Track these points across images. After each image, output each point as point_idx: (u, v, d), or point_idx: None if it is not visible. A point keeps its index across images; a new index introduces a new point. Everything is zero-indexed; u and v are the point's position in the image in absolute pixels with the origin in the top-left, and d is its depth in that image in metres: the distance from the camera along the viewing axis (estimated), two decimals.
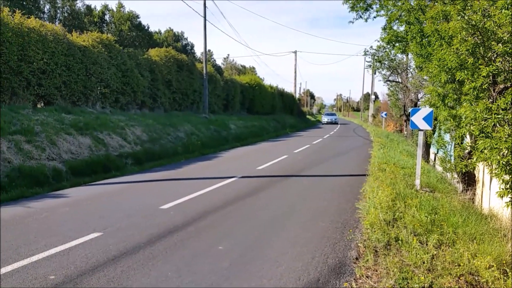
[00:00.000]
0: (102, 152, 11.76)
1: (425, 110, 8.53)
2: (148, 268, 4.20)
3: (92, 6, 32.96)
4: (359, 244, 4.96)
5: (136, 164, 11.98)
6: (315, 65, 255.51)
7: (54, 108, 12.87)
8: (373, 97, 51.19)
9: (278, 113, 40.26)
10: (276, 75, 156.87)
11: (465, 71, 8.03)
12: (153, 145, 14.38)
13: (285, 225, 5.76)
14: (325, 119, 48.29)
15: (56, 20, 28.54)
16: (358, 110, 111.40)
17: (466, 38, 7.88)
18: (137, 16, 33.78)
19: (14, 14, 12.45)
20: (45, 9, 28.85)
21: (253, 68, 67.31)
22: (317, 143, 19.62)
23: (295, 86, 51.93)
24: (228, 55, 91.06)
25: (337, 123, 47.09)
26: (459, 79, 8.43)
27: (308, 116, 60.16)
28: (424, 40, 11.51)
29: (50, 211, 6.60)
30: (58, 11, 28.96)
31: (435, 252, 4.65)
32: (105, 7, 32.90)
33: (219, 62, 59.15)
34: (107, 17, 33.03)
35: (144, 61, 19.11)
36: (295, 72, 50.08)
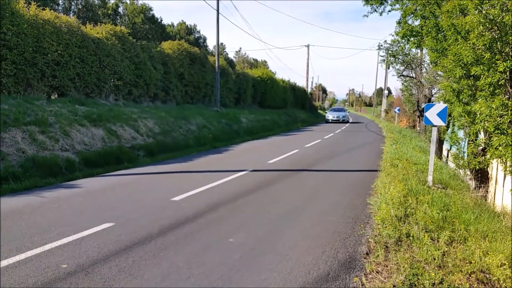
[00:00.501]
0: (115, 143, 11.87)
1: (439, 106, 8.43)
2: (159, 259, 4.25)
3: None
4: (369, 240, 4.95)
5: (148, 156, 12.08)
6: (327, 59, 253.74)
7: (68, 100, 12.99)
8: (386, 92, 50.58)
9: (290, 107, 40.13)
10: (288, 69, 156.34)
11: (481, 66, 7.91)
12: (165, 137, 14.47)
13: (296, 219, 5.77)
14: (329, 116, 36.16)
15: (71, 12, 28.78)
16: (370, 105, 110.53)
17: (483, 33, 7.75)
18: (150, 9, 33.90)
19: (30, 6, 12.58)
20: (60, 1, 29.09)
21: (265, 61, 67.11)
22: (328, 138, 19.54)
23: (307, 80, 51.67)
24: (240, 48, 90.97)
25: (348, 122, 36.78)
26: (474, 74, 8.30)
27: (320, 111, 59.83)
28: (439, 34, 11.35)
29: (63, 201, 6.70)
30: (73, 3, 29.18)
31: (446, 249, 4.61)
32: None
33: (231, 55, 59.15)
34: (120, 9, 33.21)
35: (157, 54, 19.18)
36: (308, 66, 49.81)
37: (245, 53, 68.29)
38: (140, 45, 18.30)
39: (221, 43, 51.34)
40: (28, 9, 12.43)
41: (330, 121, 35.83)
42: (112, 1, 31.97)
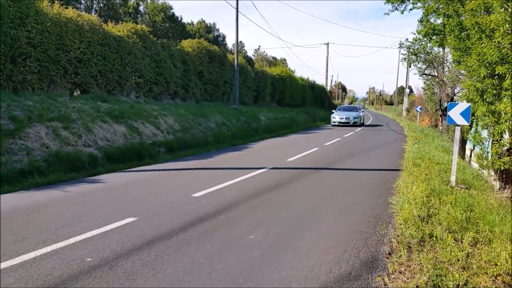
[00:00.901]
0: (136, 140, 12.04)
1: (462, 105, 8.26)
2: (181, 254, 4.29)
3: None
4: (392, 240, 4.88)
5: (169, 153, 12.21)
6: (347, 57, 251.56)
7: (90, 97, 13.23)
8: (407, 90, 49.78)
9: (309, 105, 39.95)
10: (307, 67, 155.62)
11: (507, 65, 7.72)
12: (184, 134, 14.59)
13: (316, 218, 5.74)
14: (336, 117, 27.25)
15: (92, 10, 29.23)
16: (391, 103, 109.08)
17: (509, 31, 7.55)
18: (170, 8, 34.15)
19: (53, 4, 12.83)
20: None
21: (284, 60, 66.84)
22: (348, 136, 19.37)
23: (327, 78, 51.32)
24: (259, 46, 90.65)
25: (361, 124, 27.88)
26: (499, 73, 8.11)
27: None
28: (463, 33, 11.12)
29: (87, 195, 6.83)
30: (94, 1, 29.65)
31: (470, 250, 4.52)
32: None
33: (250, 53, 59.14)
34: (141, 8, 33.58)
35: (177, 52, 19.34)
36: (327, 64, 49.46)
37: (264, 51, 68.25)
38: (161, 43, 18.48)
39: (240, 41, 51.36)
40: (52, 7, 12.69)
41: (337, 123, 26.82)
42: (133, 0, 32.38)
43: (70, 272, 3.83)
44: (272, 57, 63.66)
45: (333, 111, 29.41)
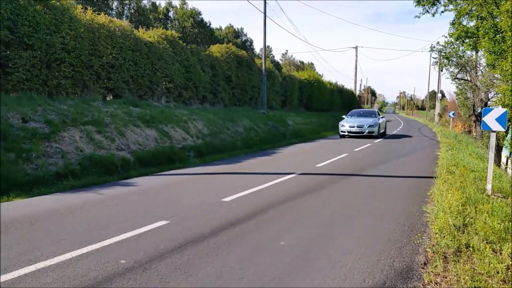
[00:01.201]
0: (167, 144, 12.24)
1: (498, 110, 7.98)
2: (212, 258, 4.31)
3: (157, 3, 34.31)
4: (427, 249, 4.75)
5: (198, 157, 12.34)
6: (377, 61, 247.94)
7: (123, 101, 13.56)
8: (439, 95, 48.57)
9: (337, 110, 39.60)
10: (335, 71, 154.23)
11: None
12: (213, 139, 14.72)
13: (348, 225, 5.65)
14: (345, 125, 21.12)
15: (123, 16, 30.02)
16: (423, 108, 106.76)
17: None
18: (199, 13, 34.69)
19: (86, 11, 13.24)
20: (113, 5, 30.41)
21: (312, 64, 66.58)
22: (379, 142, 19.04)
23: (355, 82, 50.77)
24: (287, 51, 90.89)
25: (382, 135, 21.95)
26: None
27: None
28: (497, 35, 10.78)
29: (120, 198, 6.98)
30: (125, 7, 30.41)
31: (510, 262, 4.34)
32: (169, 4, 34.16)
33: (277, 58, 59.25)
34: (171, 13, 34.23)
35: (206, 57, 19.58)
36: (356, 68, 48.95)
37: (291, 56, 68.21)
38: (190, 48, 18.76)
39: (268, 46, 51.49)
40: (85, 14, 13.08)
41: (346, 134, 20.73)
42: (163, 6, 33.10)
43: (105, 274, 3.90)
44: (300, 61, 63.61)
45: (343, 116, 22.88)
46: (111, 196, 7.09)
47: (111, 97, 14.34)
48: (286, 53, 67.61)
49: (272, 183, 8.40)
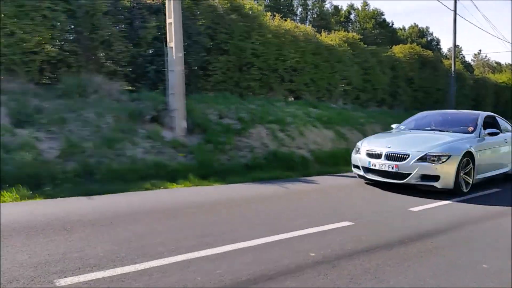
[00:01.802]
0: (342, 146, 12.25)
1: None
2: (403, 268, 4.08)
3: (339, 6, 34.63)
4: None
5: None
6: None
7: (303, 102, 14.11)
8: None
9: None
10: None
11: None
12: None
13: None
14: (361, 153, 8.08)
15: (306, 21, 31.23)
16: None
17: None
18: (382, 14, 33.67)
19: (274, 18, 14.16)
20: (297, 11, 31.92)
21: (510, 65, 57.66)
22: None
23: None
24: (480, 51, 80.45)
25: (505, 175, 9.06)
26: None
27: None
28: None
29: (303, 194, 7.27)
30: (309, 13, 31.58)
31: None
32: (351, 6, 34.06)
33: (468, 58, 53.26)
34: (352, 16, 34.15)
35: (386, 58, 18.83)
36: None
37: (486, 56, 60.34)
38: (370, 50, 18.33)
39: (457, 46, 46.77)
40: (273, 20, 14.01)
41: (361, 173, 8.13)
42: (345, 9, 33.27)
43: (297, 263, 4.06)
44: (496, 62, 55.77)
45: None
46: (295, 191, 7.43)
47: (292, 98, 15.08)
48: (479, 53, 60.12)
49: (467, 197, 7.53)
